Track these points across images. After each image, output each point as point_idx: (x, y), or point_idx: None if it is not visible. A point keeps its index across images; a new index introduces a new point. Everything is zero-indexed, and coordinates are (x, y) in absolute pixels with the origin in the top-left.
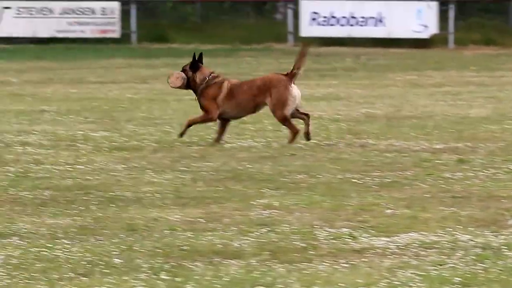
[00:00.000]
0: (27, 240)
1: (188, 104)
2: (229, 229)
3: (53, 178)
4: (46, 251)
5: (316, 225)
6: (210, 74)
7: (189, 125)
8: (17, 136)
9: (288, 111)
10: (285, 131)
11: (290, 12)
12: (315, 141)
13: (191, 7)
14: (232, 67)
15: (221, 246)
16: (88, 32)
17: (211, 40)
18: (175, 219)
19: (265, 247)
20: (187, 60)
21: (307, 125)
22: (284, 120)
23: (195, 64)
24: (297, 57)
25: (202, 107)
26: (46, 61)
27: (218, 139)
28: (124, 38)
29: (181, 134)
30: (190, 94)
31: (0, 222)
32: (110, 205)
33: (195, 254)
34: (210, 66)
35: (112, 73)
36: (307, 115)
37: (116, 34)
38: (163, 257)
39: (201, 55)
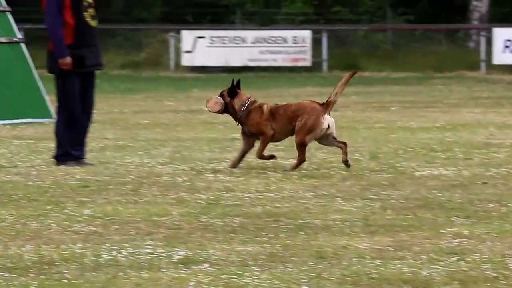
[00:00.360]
0: (217, 267)
1: (378, 132)
2: (418, 258)
3: (243, 206)
4: (236, 278)
5: (508, 255)
6: (248, 100)
7: (261, 158)
8: (208, 163)
9: (310, 139)
10: (476, 159)
11: (483, 40)
12: (506, 170)
13: (383, 35)
14: (423, 95)
15: (410, 274)
16: (280, 60)
17: (403, 68)
18: (363, 247)
19: (455, 277)
20: (379, 89)
21: (345, 153)
22: (301, 145)
23: (234, 91)
24: (340, 84)
25: (254, 134)
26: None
27: (237, 162)
28: (315, 66)
29: (234, 166)
30: (380, 122)
31: (191, 249)
32: (299, 232)
33: (384, 282)
34: (401, 94)
35: None
36: (344, 143)
37: (307, 63)
38: (351, 285)
39: (239, 81)
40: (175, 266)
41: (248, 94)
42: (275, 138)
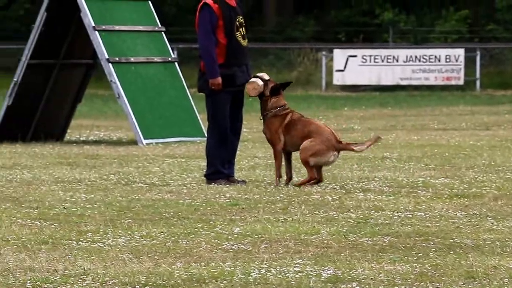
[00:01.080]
0: (366, 286)
1: None
2: None
3: (393, 225)
4: None
5: None
6: (283, 106)
7: (279, 169)
8: (358, 182)
9: (314, 162)
10: None
11: None
12: None
13: None
14: None
15: None
16: (432, 79)
17: None
18: None
19: None
20: None
21: (303, 182)
22: (306, 164)
23: (277, 90)
24: (366, 143)
25: (268, 140)
26: (389, 109)
27: (288, 181)
28: (468, 85)
29: (277, 183)
30: None
31: (340, 268)
32: (449, 252)
33: None
34: None
35: (455, 120)
36: (321, 179)
37: (460, 81)
38: None
39: (288, 84)
40: (324, 284)
41: (285, 101)
42: (290, 149)
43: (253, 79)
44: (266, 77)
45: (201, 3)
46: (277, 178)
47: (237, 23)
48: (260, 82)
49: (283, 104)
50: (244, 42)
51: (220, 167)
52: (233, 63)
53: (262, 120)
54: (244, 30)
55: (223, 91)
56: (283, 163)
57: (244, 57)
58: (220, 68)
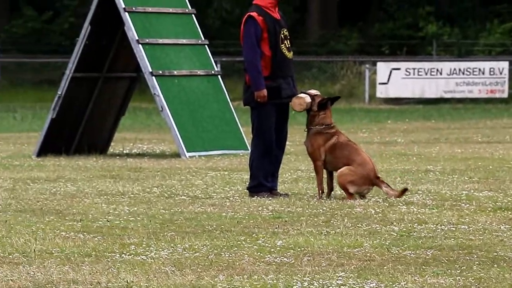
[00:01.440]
0: None
1: None
2: None
3: (436, 238)
4: None
5: None
6: (329, 124)
7: (321, 183)
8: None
9: (352, 190)
10: None
11: None
12: None
13: None
14: None
15: None
16: (476, 92)
17: None
18: None
19: None
20: None
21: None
22: (343, 189)
23: (325, 105)
24: (396, 193)
25: (309, 154)
26: (433, 121)
27: (329, 193)
28: None
29: (320, 196)
30: None
31: (383, 281)
32: (493, 265)
33: None
34: None
35: (499, 133)
36: (332, 188)
37: (504, 94)
38: None
39: (336, 98)
40: None
41: (332, 120)
42: (330, 169)
43: (301, 95)
44: (314, 92)
45: (246, 16)
46: (320, 192)
47: (282, 35)
48: (308, 99)
49: (329, 122)
50: (289, 55)
51: (263, 180)
52: (278, 75)
53: (306, 132)
54: (288, 42)
55: (269, 103)
56: (325, 176)
57: (289, 69)
58: (266, 81)
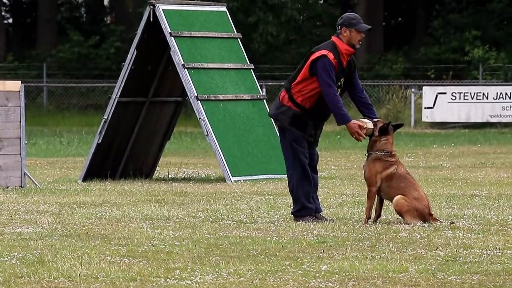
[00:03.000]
0: None
1: None
2: None
3: (482, 263)
4: None
5: None
6: (389, 152)
7: (369, 210)
8: (446, 220)
9: (410, 220)
10: None
11: None
12: None
13: None
14: None
15: None
16: None
17: None
18: None
19: None
20: None
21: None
22: (401, 215)
23: (386, 130)
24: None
25: (365, 178)
26: (479, 146)
27: (376, 218)
28: None
29: (365, 222)
30: None
31: None
32: None
33: None
34: None
35: None
36: (380, 215)
37: None
38: None
39: (399, 125)
40: None
41: (393, 147)
42: (383, 197)
43: (364, 120)
44: (376, 118)
45: (321, 54)
46: (366, 218)
47: (339, 82)
48: (370, 125)
49: (390, 149)
50: None
51: (306, 202)
52: (314, 115)
53: (366, 157)
54: (340, 91)
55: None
56: (375, 202)
57: (326, 115)
58: (300, 109)
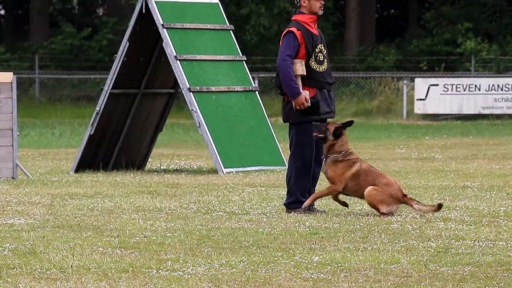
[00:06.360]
0: None
1: None
2: None
3: (474, 254)
4: None
5: None
6: (347, 151)
7: (316, 198)
8: (438, 211)
9: (385, 210)
10: None
11: None
12: None
13: None
14: None
15: None
16: None
17: None
18: None
19: None
20: None
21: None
22: (375, 208)
23: (339, 132)
24: (428, 207)
25: (326, 176)
26: (471, 137)
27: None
28: None
29: (305, 208)
30: None
31: None
32: None
33: None
34: None
35: None
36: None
37: None
38: None
39: (350, 122)
40: None
41: (350, 146)
42: (350, 195)
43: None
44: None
45: (285, 31)
46: (307, 204)
47: (317, 49)
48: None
49: (347, 149)
50: (320, 68)
51: (300, 196)
52: (312, 85)
53: (324, 160)
54: (321, 56)
55: (308, 120)
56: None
57: (319, 82)
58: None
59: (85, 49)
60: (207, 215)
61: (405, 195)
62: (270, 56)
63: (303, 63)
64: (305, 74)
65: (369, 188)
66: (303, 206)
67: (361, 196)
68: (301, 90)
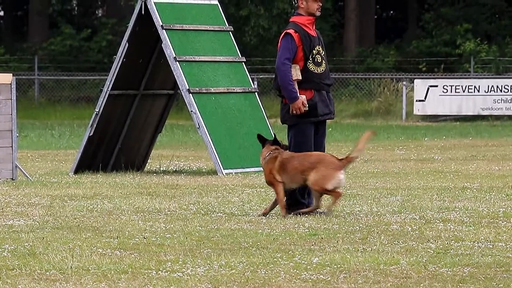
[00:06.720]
0: None
1: None
2: None
3: (473, 255)
4: None
5: None
6: (270, 152)
7: (282, 205)
8: (438, 212)
9: (331, 185)
10: None
11: None
12: None
13: None
14: None
15: None
16: None
17: None
18: None
19: None
20: None
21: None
22: (325, 192)
23: (263, 142)
24: (360, 142)
25: (266, 183)
26: (470, 139)
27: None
28: None
29: (265, 214)
30: None
31: None
32: None
33: None
34: None
35: None
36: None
37: None
38: None
39: (274, 137)
40: None
41: (274, 147)
42: (288, 186)
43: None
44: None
45: (283, 33)
46: (285, 211)
47: (314, 51)
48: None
49: (270, 150)
50: (318, 69)
51: (299, 197)
52: (309, 87)
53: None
54: (319, 57)
55: (306, 121)
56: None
57: (317, 83)
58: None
59: (85, 50)
60: (207, 216)
61: (341, 159)
62: (269, 57)
63: (298, 68)
64: (300, 79)
65: (309, 177)
66: (284, 216)
67: (305, 181)
68: (298, 95)
